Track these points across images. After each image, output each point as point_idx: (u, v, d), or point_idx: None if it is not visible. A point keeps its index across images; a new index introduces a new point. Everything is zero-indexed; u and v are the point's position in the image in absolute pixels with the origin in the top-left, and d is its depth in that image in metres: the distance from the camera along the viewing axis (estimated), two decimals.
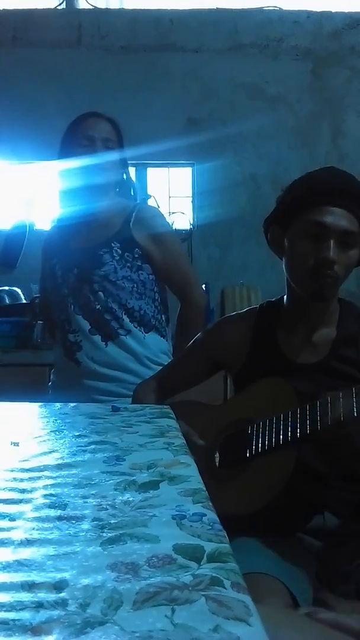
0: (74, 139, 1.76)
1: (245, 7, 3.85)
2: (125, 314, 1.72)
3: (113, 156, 1.75)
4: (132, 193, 1.87)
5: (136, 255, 1.74)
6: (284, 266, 1.29)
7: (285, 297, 1.34)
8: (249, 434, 1.14)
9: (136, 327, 1.74)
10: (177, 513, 0.61)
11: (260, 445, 1.11)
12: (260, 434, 1.12)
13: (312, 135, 3.79)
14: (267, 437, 1.10)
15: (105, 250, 1.71)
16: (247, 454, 1.12)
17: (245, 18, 3.80)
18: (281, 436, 1.08)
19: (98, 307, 1.70)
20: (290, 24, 3.81)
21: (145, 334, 1.75)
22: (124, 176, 1.84)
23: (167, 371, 1.55)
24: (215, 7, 3.84)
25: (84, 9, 3.88)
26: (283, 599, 0.90)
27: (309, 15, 3.82)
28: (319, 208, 1.20)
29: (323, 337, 1.27)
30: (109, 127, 1.77)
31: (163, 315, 1.83)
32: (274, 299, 1.38)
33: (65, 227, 1.83)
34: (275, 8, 3.85)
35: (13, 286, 3.36)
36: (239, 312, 1.45)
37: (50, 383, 1.93)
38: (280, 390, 1.17)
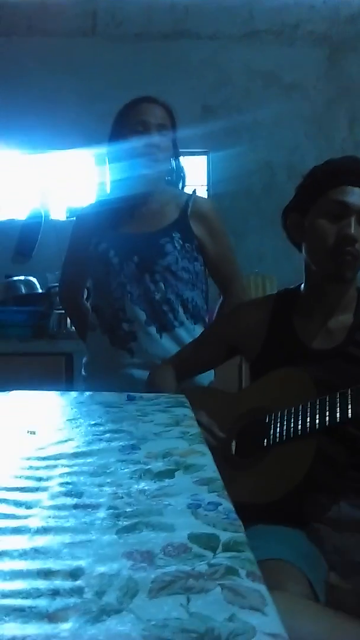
0: (128, 123, 1.72)
1: None
2: (180, 305, 1.71)
3: (166, 142, 1.73)
4: (182, 182, 1.84)
5: (193, 246, 1.73)
6: (303, 250, 1.29)
7: (302, 284, 1.34)
8: (267, 423, 1.14)
9: (188, 319, 1.73)
10: (193, 502, 0.61)
11: (278, 434, 1.11)
12: (279, 424, 1.11)
13: (329, 123, 3.75)
14: (285, 427, 1.10)
15: (167, 240, 1.69)
16: (265, 443, 1.12)
17: (260, 4, 3.76)
18: (300, 427, 1.07)
19: (157, 297, 1.68)
20: (306, 9, 3.76)
21: (195, 326, 1.74)
22: (174, 163, 1.81)
23: (183, 354, 1.55)
24: None
25: None
26: (302, 586, 0.90)
27: (325, 0, 3.77)
28: (339, 188, 1.21)
29: (340, 323, 1.27)
30: (164, 112, 1.74)
31: (206, 306, 1.82)
32: (291, 287, 1.38)
33: (110, 211, 1.77)
34: None
35: (29, 276, 3.38)
36: (257, 298, 1.45)
37: (83, 373, 1.89)
38: (298, 379, 1.17)
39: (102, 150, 1.81)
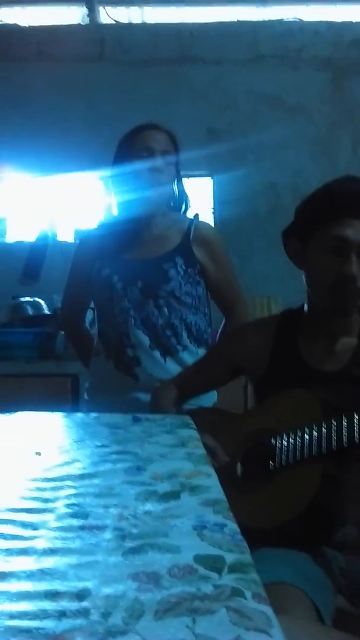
0: (132, 149, 1.74)
1: (266, 18, 3.87)
2: (184, 329, 1.72)
3: (169, 168, 1.75)
4: (185, 207, 1.86)
5: (196, 271, 1.75)
6: (304, 279, 1.29)
7: (305, 305, 1.33)
8: (273, 445, 1.13)
9: (191, 343, 1.73)
10: (198, 523, 0.61)
11: (284, 458, 1.10)
12: (285, 447, 1.11)
13: (333, 145, 3.78)
14: (291, 451, 1.09)
15: (170, 265, 1.71)
16: (271, 467, 1.12)
17: (265, 29, 3.82)
18: (306, 450, 1.07)
19: (160, 322, 1.69)
20: (310, 34, 3.82)
21: (198, 350, 1.75)
22: (178, 189, 1.83)
23: (186, 375, 1.55)
24: (235, 20, 3.87)
25: (107, 24, 3.93)
26: (307, 610, 0.89)
27: (329, 25, 3.83)
28: (338, 221, 1.19)
29: (344, 345, 1.27)
30: (167, 138, 1.77)
31: (209, 329, 1.83)
32: (295, 307, 1.38)
33: (112, 236, 1.78)
34: (296, 19, 3.87)
35: (36, 297, 3.39)
36: (261, 318, 1.45)
37: (86, 397, 1.89)
38: (304, 401, 1.16)
39: (110, 173, 1.83)
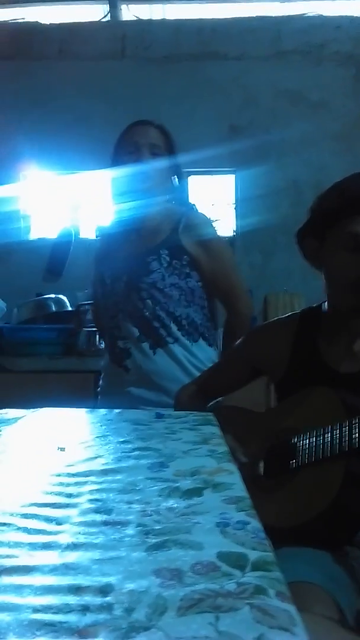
0: (122, 146, 1.78)
1: (287, 14, 3.84)
2: (172, 322, 1.71)
3: (159, 162, 1.74)
4: (184, 201, 1.87)
5: (184, 263, 1.73)
6: (323, 276, 1.28)
7: (325, 303, 1.32)
8: (295, 444, 1.13)
9: (184, 336, 1.73)
10: (221, 520, 0.61)
11: (307, 456, 1.09)
12: (307, 445, 1.10)
13: (356, 141, 3.75)
14: (314, 449, 1.08)
15: (153, 258, 1.71)
16: (293, 465, 1.11)
17: (287, 25, 3.79)
18: (329, 448, 1.06)
19: (147, 314, 1.70)
20: (332, 29, 3.78)
21: (194, 343, 1.74)
22: (175, 183, 1.82)
23: (207, 376, 1.55)
24: (256, 15, 3.84)
25: (128, 21, 3.94)
26: (331, 610, 0.88)
27: (351, 20, 3.79)
28: (355, 218, 1.17)
29: None
30: (157, 133, 1.77)
31: (211, 323, 1.82)
32: (314, 305, 1.36)
33: (114, 235, 1.85)
34: (317, 14, 3.83)
35: (59, 294, 3.42)
36: (280, 317, 1.44)
37: (99, 389, 1.94)
38: (326, 400, 1.15)
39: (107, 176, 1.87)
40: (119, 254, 1.79)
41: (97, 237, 2.00)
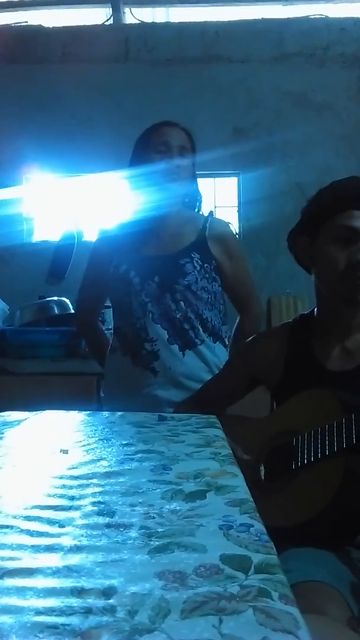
0: (151, 144, 1.76)
1: (291, 16, 3.84)
2: (200, 324, 1.73)
3: (188, 164, 1.77)
4: (198, 205, 1.88)
5: (212, 267, 1.75)
6: (313, 276, 1.30)
7: (316, 309, 1.35)
8: (294, 445, 1.13)
9: (208, 337, 1.74)
10: (224, 523, 0.61)
11: (306, 456, 1.09)
12: (306, 446, 1.11)
13: None
14: (312, 448, 1.09)
15: (187, 260, 1.72)
16: (293, 466, 1.11)
17: (291, 27, 3.79)
18: (327, 447, 1.06)
19: (178, 316, 1.70)
20: (336, 31, 3.78)
21: (214, 345, 1.76)
22: (192, 187, 1.85)
23: (205, 390, 1.55)
24: (260, 17, 3.85)
25: (131, 24, 3.95)
26: (342, 609, 0.88)
27: (355, 22, 3.79)
28: (347, 212, 1.22)
29: (357, 343, 1.28)
30: (184, 135, 1.79)
31: (225, 327, 1.84)
32: (306, 312, 1.39)
33: (131, 234, 1.80)
34: (322, 16, 3.83)
35: (62, 296, 3.42)
36: (274, 327, 1.47)
37: (102, 395, 1.91)
38: (324, 400, 1.16)
39: (126, 172, 1.85)
40: (143, 254, 1.76)
41: (102, 235, 1.94)
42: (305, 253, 1.31)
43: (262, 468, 1.20)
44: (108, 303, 2.00)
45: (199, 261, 1.73)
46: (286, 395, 1.27)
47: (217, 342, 1.78)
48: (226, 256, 1.80)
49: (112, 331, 1.87)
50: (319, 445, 1.08)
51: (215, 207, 3.82)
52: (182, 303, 1.70)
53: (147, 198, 1.77)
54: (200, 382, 1.67)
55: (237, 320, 1.90)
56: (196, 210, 1.88)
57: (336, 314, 1.28)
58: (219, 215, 3.78)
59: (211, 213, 1.88)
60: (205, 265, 1.74)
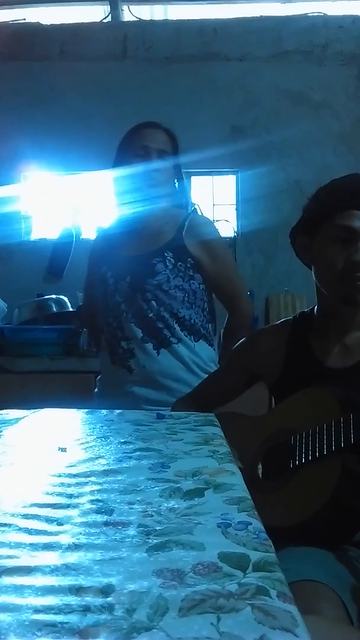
0: (130, 148, 1.78)
1: (289, 14, 3.84)
2: (176, 322, 1.73)
3: (167, 167, 1.77)
4: (185, 203, 1.89)
5: (188, 265, 1.75)
6: (313, 274, 1.30)
7: (316, 306, 1.35)
8: (292, 444, 1.13)
9: (186, 336, 1.75)
10: (223, 521, 0.61)
11: (304, 455, 1.09)
12: (304, 444, 1.10)
13: (358, 141, 3.74)
14: (310, 447, 1.09)
15: (159, 260, 1.72)
16: (291, 465, 1.11)
17: (289, 25, 3.79)
18: (325, 446, 1.06)
19: (151, 315, 1.71)
20: (335, 29, 3.78)
21: (195, 343, 1.76)
22: (177, 186, 1.85)
23: (204, 387, 1.55)
24: (259, 15, 3.84)
25: (129, 22, 3.94)
26: (337, 609, 0.88)
27: (354, 20, 3.78)
28: (346, 212, 1.22)
29: (356, 340, 1.28)
30: (165, 137, 1.79)
31: (210, 325, 1.84)
32: (306, 310, 1.40)
33: (115, 235, 1.84)
34: (320, 14, 3.83)
35: (60, 294, 3.42)
36: (274, 324, 1.47)
37: (96, 390, 1.94)
38: (322, 399, 1.16)
39: (110, 174, 1.86)
40: (121, 255, 1.79)
41: (97, 235, 1.98)
42: (305, 252, 1.32)
43: (259, 466, 1.20)
44: None
45: (172, 260, 1.73)
46: (285, 392, 1.27)
47: (200, 340, 1.77)
48: (206, 254, 1.77)
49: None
50: (317, 444, 1.08)
51: (213, 205, 3.82)
52: (153, 302, 1.71)
53: (128, 200, 1.79)
54: (177, 380, 1.69)
55: (226, 318, 1.90)
56: (185, 208, 1.88)
57: (335, 313, 1.28)
58: (217, 213, 3.80)
59: (194, 210, 1.88)
60: (179, 263, 1.73)
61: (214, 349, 1.85)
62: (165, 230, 1.78)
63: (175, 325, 1.73)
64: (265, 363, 1.38)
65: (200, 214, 1.93)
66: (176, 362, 1.72)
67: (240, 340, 1.50)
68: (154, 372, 1.71)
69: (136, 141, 1.77)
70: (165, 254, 1.73)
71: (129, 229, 1.81)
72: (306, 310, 1.40)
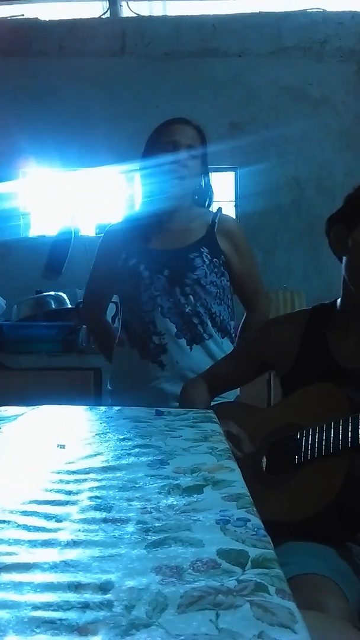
0: (159, 142, 1.78)
1: (288, 9, 3.83)
2: (209, 318, 1.74)
3: (195, 162, 1.77)
4: (209, 202, 1.89)
5: (221, 262, 1.77)
6: (343, 267, 1.27)
7: (339, 300, 1.31)
8: (298, 439, 1.13)
9: (216, 332, 1.75)
10: (221, 518, 0.61)
11: (309, 452, 1.09)
12: (310, 441, 1.10)
13: (357, 138, 3.74)
14: (317, 445, 1.08)
15: (196, 255, 1.73)
16: (296, 461, 1.11)
17: (288, 21, 3.78)
18: (332, 444, 1.06)
19: (188, 309, 1.71)
20: (334, 25, 3.77)
21: (222, 340, 1.77)
22: (204, 184, 1.86)
23: (216, 369, 1.54)
24: (257, 11, 3.83)
25: (128, 17, 3.93)
26: (340, 602, 0.88)
27: (353, 16, 3.78)
28: None
29: None
30: (195, 133, 1.79)
31: (232, 322, 1.85)
32: (327, 302, 1.35)
33: (139, 228, 1.81)
34: (319, 10, 3.82)
35: (59, 291, 3.42)
36: (291, 312, 1.44)
37: (109, 387, 1.91)
38: (331, 396, 1.15)
39: (133, 167, 1.86)
40: (152, 248, 1.77)
41: (110, 228, 1.94)
42: (339, 241, 1.27)
43: (264, 460, 1.19)
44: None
45: (208, 256, 1.74)
46: (295, 385, 1.25)
47: (225, 338, 1.79)
48: (235, 251, 1.81)
49: (120, 324, 1.87)
50: (324, 442, 1.07)
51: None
52: (191, 297, 1.71)
53: (155, 194, 1.79)
54: None
55: (244, 316, 1.91)
56: (207, 205, 1.89)
57: (357, 312, 1.24)
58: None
59: (220, 209, 1.89)
60: (214, 259, 1.75)
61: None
62: (194, 227, 1.79)
63: (208, 321, 1.74)
64: (277, 352, 1.35)
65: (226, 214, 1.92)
66: (207, 359, 1.71)
67: (254, 329, 1.49)
68: (186, 368, 1.70)
69: (165, 136, 1.78)
70: (202, 249, 1.74)
71: (154, 223, 1.79)
72: (326, 302, 1.36)
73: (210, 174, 1.87)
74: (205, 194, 1.87)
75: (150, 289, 1.72)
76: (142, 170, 1.83)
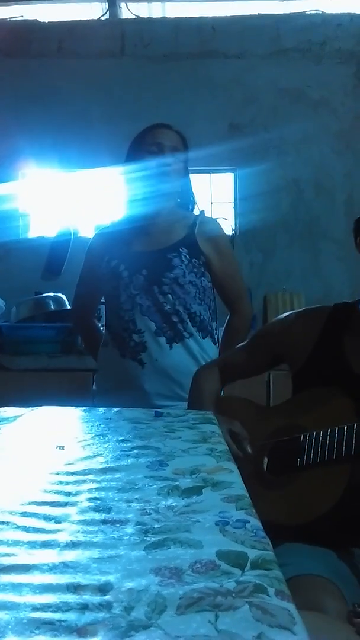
0: (144, 145, 1.81)
1: (288, 11, 3.83)
2: (188, 317, 1.75)
3: (178, 165, 1.81)
4: (191, 203, 1.92)
5: (200, 262, 1.79)
6: None
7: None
8: (301, 442, 1.12)
9: (197, 332, 1.77)
10: (221, 519, 0.61)
11: (312, 456, 1.08)
12: (313, 445, 1.09)
13: (356, 139, 3.74)
14: (319, 450, 1.07)
15: (175, 255, 1.75)
16: (298, 464, 1.10)
17: (287, 23, 3.78)
18: (335, 450, 1.05)
19: (167, 308, 1.73)
20: (333, 27, 3.77)
21: (203, 340, 1.78)
22: (185, 187, 1.89)
23: (230, 357, 1.54)
24: (257, 13, 3.84)
25: (127, 19, 3.93)
26: (339, 603, 0.88)
27: (352, 17, 3.78)
28: None
29: None
30: (177, 137, 1.84)
31: (214, 323, 1.86)
32: (349, 301, 1.33)
33: (122, 232, 1.85)
34: (318, 12, 3.82)
35: (58, 292, 3.42)
36: (311, 307, 1.41)
37: (94, 388, 1.94)
38: (337, 401, 1.13)
39: (126, 169, 1.87)
40: (133, 249, 1.80)
41: (97, 232, 1.99)
42: None
43: (265, 459, 1.19)
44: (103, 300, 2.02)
45: (187, 256, 1.76)
46: (305, 383, 1.24)
47: (207, 338, 1.80)
48: (216, 253, 1.83)
49: (105, 325, 1.90)
50: (327, 447, 1.06)
51: (211, 202, 3.82)
52: (169, 296, 1.73)
53: (139, 196, 1.81)
54: (188, 374, 1.68)
55: (227, 318, 1.93)
56: (190, 209, 1.92)
57: None
58: (215, 211, 3.79)
59: (202, 212, 1.91)
60: (194, 260, 1.77)
61: (217, 347, 1.86)
62: (175, 228, 1.82)
63: (188, 320, 1.75)
64: (292, 346, 1.33)
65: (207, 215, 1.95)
66: (187, 357, 1.74)
67: (272, 320, 1.49)
68: (166, 366, 1.72)
69: (150, 138, 1.81)
70: (180, 249, 1.76)
71: (137, 226, 1.82)
72: (349, 302, 1.33)
73: (190, 179, 1.91)
74: (187, 197, 1.90)
75: (129, 288, 1.76)
76: (127, 174, 1.85)
